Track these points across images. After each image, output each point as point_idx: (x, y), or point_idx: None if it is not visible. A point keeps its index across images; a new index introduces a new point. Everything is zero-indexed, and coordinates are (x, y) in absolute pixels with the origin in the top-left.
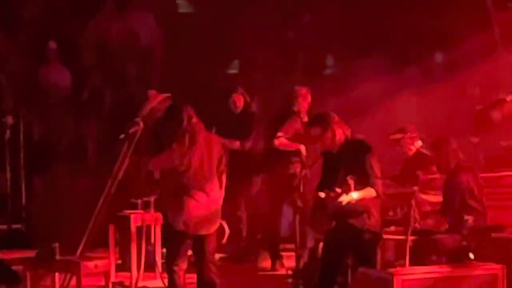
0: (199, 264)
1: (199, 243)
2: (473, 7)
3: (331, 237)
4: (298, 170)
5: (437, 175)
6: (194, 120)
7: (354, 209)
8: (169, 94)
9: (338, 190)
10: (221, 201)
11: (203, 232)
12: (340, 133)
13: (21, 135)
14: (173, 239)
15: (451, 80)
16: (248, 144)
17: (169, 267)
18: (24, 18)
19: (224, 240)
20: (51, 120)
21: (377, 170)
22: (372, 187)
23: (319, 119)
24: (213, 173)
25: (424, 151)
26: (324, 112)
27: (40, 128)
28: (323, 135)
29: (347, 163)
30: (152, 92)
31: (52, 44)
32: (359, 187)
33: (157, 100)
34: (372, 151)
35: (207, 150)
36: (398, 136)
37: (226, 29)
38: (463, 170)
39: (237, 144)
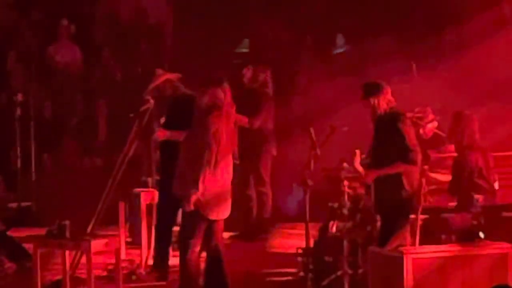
0: (208, 240)
1: (210, 224)
2: None
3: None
4: None
5: (448, 154)
6: (229, 97)
7: (386, 180)
8: (178, 74)
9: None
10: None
11: (220, 217)
12: (383, 105)
13: (31, 112)
14: (190, 218)
15: (461, 58)
16: (257, 122)
17: (184, 243)
18: None
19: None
20: (62, 98)
21: (412, 137)
22: (408, 155)
23: (365, 88)
24: (228, 153)
25: (438, 132)
26: (372, 81)
27: (50, 105)
28: (367, 103)
29: (380, 133)
30: (159, 71)
31: (64, 22)
32: (392, 158)
33: (161, 79)
34: (404, 119)
35: (232, 129)
36: (408, 114)
37: (236, 7)
38: (473, 149)
39: (245, 120)
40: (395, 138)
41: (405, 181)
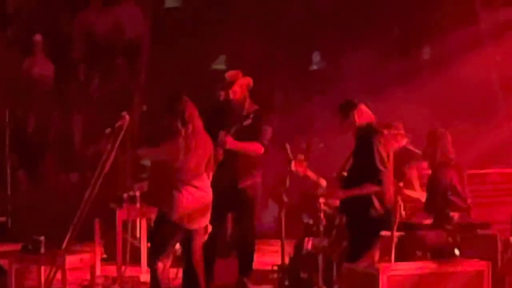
0: (186, 258)
1: (187, 237)
2: (460, 2)
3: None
4: None
5: (422, 172)
6: (194, 114)
7: (354, 199)
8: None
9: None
10: (210, 196)
11: (195, 226)
12: (359, 122)
13: (7, 127)
14: (164, 232)
15: (438, 75)
16: (267, 139)
17: (153, 262)
18: (12, 11)
19: (205, 238)
20: (37, 113)
21: (383, 157)
22: (376, 175)
23: (341, 107)
24: (203, 169)
25: (411, 147)
26: (346, 100)
27: (26, 120)
28: (343, 122)
29: (355, 150)
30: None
31: (38, 37)
32: (363, 176)
33: (239, 81)
34: (378, 138)
35: (202, 147)
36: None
37: (213, 24)
38: (448, 166)
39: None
40: (367, 157)
41: (375, 200)
